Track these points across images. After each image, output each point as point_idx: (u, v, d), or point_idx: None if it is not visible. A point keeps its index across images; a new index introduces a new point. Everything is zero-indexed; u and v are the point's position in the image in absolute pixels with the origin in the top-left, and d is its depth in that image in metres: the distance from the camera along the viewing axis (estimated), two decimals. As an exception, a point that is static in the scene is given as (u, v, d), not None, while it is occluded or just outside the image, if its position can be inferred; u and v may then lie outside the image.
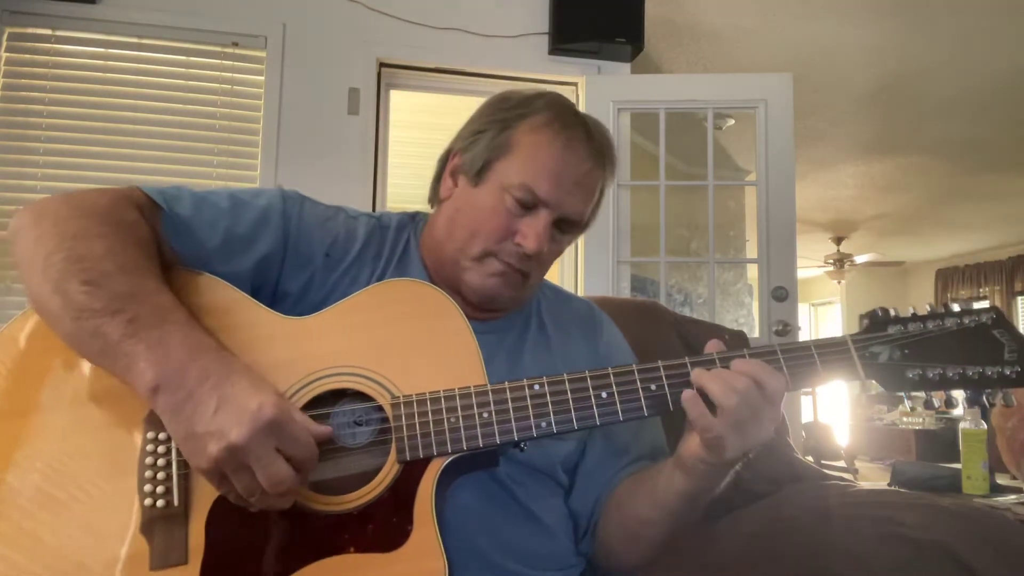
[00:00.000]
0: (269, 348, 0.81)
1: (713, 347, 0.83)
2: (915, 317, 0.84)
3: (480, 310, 0.97)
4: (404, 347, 0.83)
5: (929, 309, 0.85)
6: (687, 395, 0.79)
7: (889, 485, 2.18)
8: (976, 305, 0.86)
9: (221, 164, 2.90)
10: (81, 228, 0.77)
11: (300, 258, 0.92)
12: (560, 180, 0.91)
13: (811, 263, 8.80)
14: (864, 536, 0.94)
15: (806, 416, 6.21)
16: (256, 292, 0.87)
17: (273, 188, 0.96)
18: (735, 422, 0.77)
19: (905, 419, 6.72)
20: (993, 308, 0.84)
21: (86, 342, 0.75)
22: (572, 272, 3.19)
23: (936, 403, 0.83)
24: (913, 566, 0.86)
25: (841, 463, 5.82)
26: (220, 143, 2.90)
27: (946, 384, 0.82)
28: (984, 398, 0.82)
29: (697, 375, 0.80)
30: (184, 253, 0.86)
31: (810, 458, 4.03)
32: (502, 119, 0.94)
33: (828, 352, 0.83)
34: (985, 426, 1.92)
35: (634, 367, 0.83)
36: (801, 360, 0.82)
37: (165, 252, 0.85)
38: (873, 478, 5.78)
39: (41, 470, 0.77)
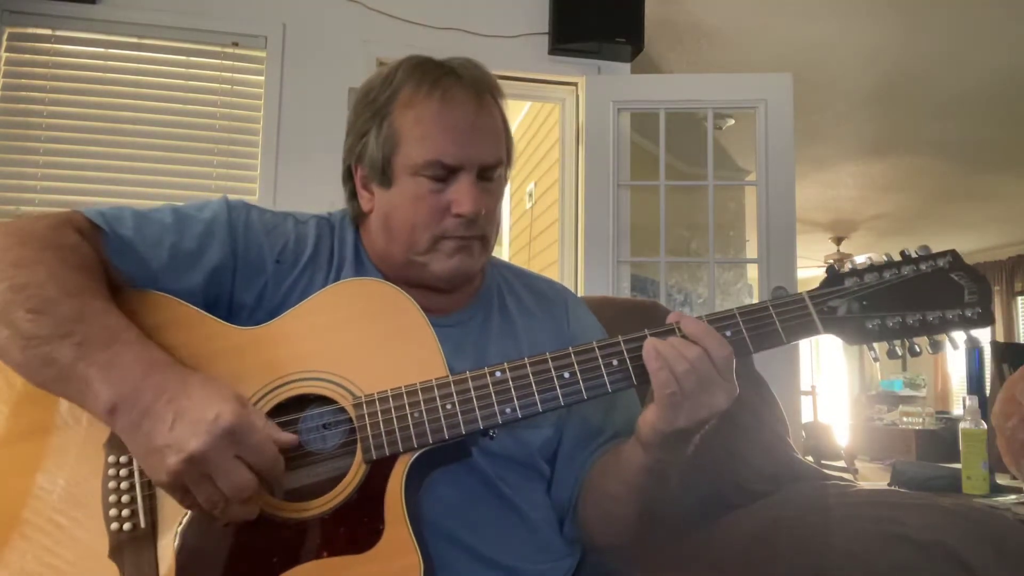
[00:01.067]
0: (227, 360, 0.80)
1: (674, 318, 0.84)
2: (871, 267, 0.83)
3: (451, 293, 0.96)
4: (363, 347, 0.82)
5: (887, 258, 0.84)
6: (647, 349, 0.80)
7: (889, 485, 2.18)
8: (929, 246, 0.84)
9: (221, 164, 2.90)
10: (21, 256, 0.76)
11: (251, 268, 0.90)
12: (457, 137, 0.88)
13: (811, 263, 8.79)
14: (864, 536, 0.94)
15: (806, 416, 6.21)
16: (211, 307, 0.86)
17: (218, 199, 0.94)
18: (687, 388, 0.78)
19: (905, 419, 6.72)
20: (950, 251, 0.83)
21: (38, 370, 0.74)
22: (572, 272, 3.19)
23: (899, 352, 0.82)
24: (913, 566, 0.86)
25: (841, 463, 5.82)
26: (220, 143, 2.90)
27: (907, 331, 0.81)
28: (949, 342, 0.82)
29: (650, 343, 0.80)
30: (131, 273, 0.84)
31: (810, 458, 4.03)
32: (375, 111, 0.92)
33: (786, 310, 0.83)
34: (985, 426, 1.92)
35: (595, 344, 0.83)
36: (760, 322, 0.83)
37: (112, 275, 0.83)
38: (873, 478, 5.78)
39: (4, 505, 0.76)
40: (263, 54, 2.94)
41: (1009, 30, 3.54)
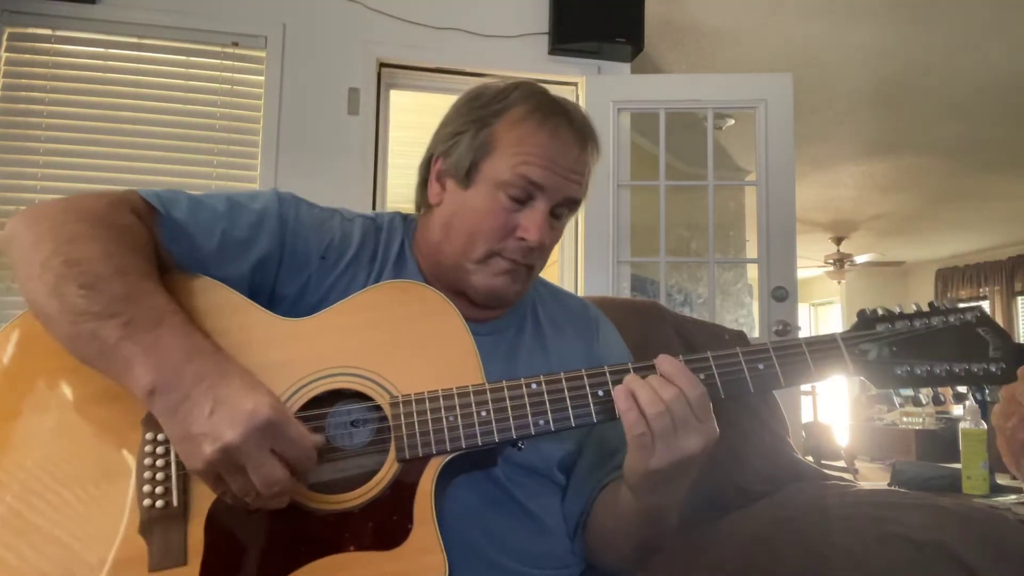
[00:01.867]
0: (267, 349, 0.81)
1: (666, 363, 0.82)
2: (902, 315, 0.86)
3: (484, 308, 0.97)
4: (402, 347, 0.83)
5: (916, 308, 0.87)
6: (617, 390, 0.79)
7: (889, 485, 2.18)
8: (967, 304, 0.88)
9: (221, 164, 2.90)
10: (77, 232, 0.77)
11: (296, 261, 0.92)
12: (553, 168, 0.91)
13: (811, 263, 8.80)
14: (864, 536, 0.94)
15: (806, 416, 6.22)
16: (253, 295, 0.87)
17: (269, 191, 0.96)
18: (660, 430, 0.77)
19: (905, 419, 6.72)
20: (977, 307, 0.86)
21: (83, 345, 0.75)
22: (572, 272, 3.19)
23: (924, 400, 0.84)
24: (913, 566, 0.86)
25: (841, 463, 5.82)
26: (220, 143, 2.90)
27: (933, 380, 0.84)
28: (972, 395, 0.85)
29: (629, 379, 0.80)
30: (181, 257, 0.86)
31: (810, 458, 4.03)
32: (479, 117, 0.93)
33: (819, 350, 0.84)
34: (985, 426, 1.92)
35: (630, 365, 0.83)
36: (793, 358, 0.83)
37: (162, 256, 0.85)
38: (873, 478, 5.78)
39: (38, 473, 0.77)
40: (263, 54, 2.94)
41: (1009, 30, 3.54)
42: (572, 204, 0.95)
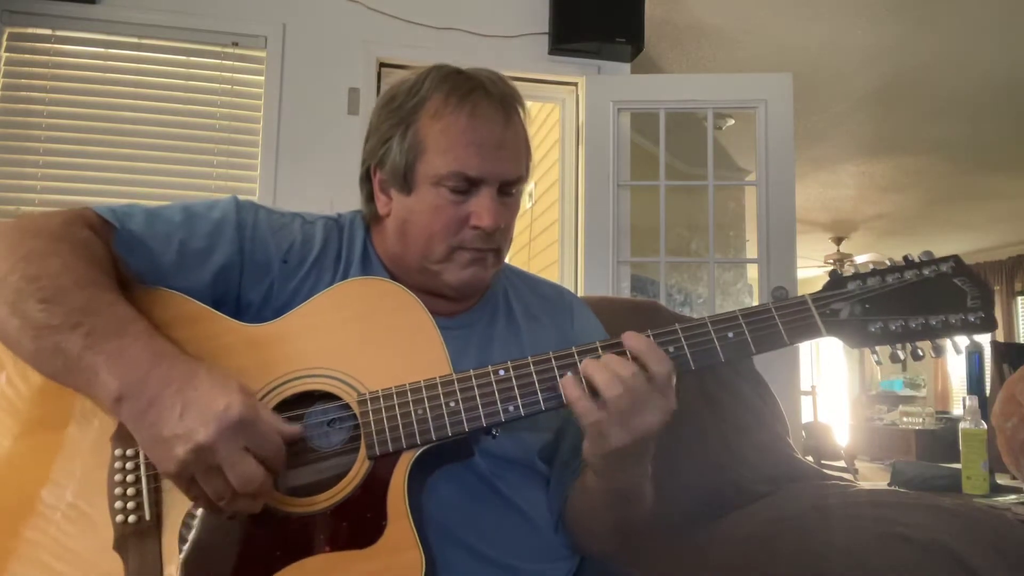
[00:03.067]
0: (234, 355, 0.81)
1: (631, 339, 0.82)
2: (874, 272, 0.83)
3: (458, 301, 0.97)
4: (368, 344, 0.83)
5: (889, 262, 0.84)
6: (566, 380, 0.79)
7: (889, 485, 2.18)
8: (933, 252, 0.85)
9: (221, 164, 2.90)
10: (34, 248, 0.77)
11: (258, 267, 0.91)
12: (483, 152, 0.89)
13: (811, 263, 8.79)
14: (864, 536, 0.94)
15: (806, 416, 6.21)
16: (218, 305, 0.86)
17: (228, 198, 0.95)
18: (618, 411, 0.76)
19: (905, 419, 6.72)
20: (953, 256, 0.83)
21: (48, 360, 0.74)
22: (572, 272, 3.19)
23: (901, 356, 0.82)
24: (913, 566, 0.86)
25: (841, 463, 5.82)
26: (220, 143, 2.90)
27: (909, 335, 0.81)
28: (952, 346, 0.82)
29: (585, 364, 0.79)
30: (140, 270, 0.85)
31: (810, 458, 4.03)
32: (400, 119, 0.92)
33: (789, 313, 0.83)
34: (985, 426, 1.92)
35: (598, 344, 0.82)
36: (764, 324, 0.82)
37: (121, 271, 0.84)
38: (873, 478, 5.78)
39: (15, 497, 0.76)
40: (263, 54, 2.94)
41: (1009, 30, 3.54)
42: (516, 179, 0.93)
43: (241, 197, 0.96)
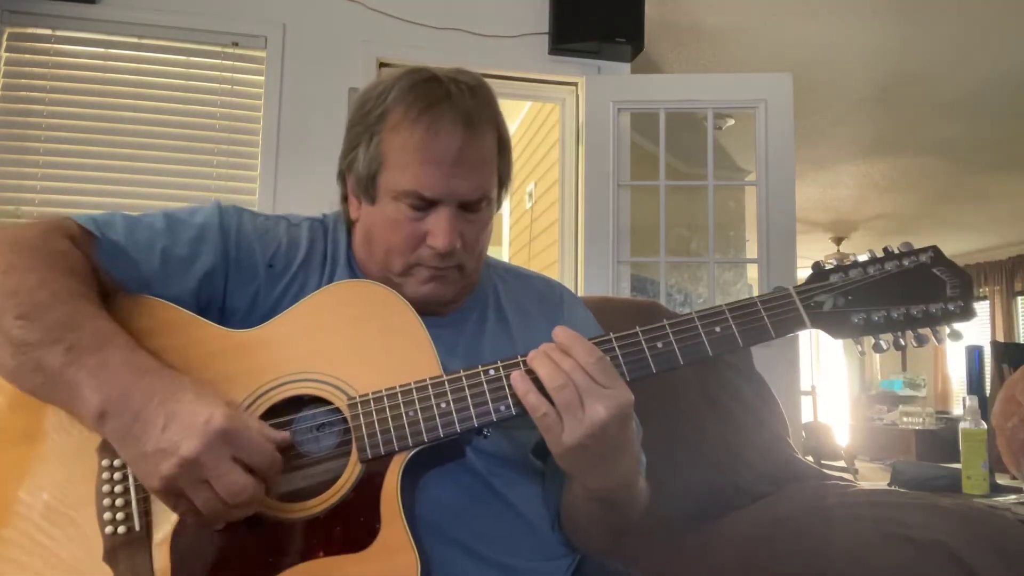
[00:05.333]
0: (220, 362, 0.80)
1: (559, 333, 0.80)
2: (855, 264, 0.85)
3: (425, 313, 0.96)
4: (357, 348, 0.82)
5: (870, 254, 0.86)
6: (515, 375, 0.78)
7: (889, 485, 2.18)
8: (912, 243, 0.86)
9: (221, 164, 2.90)
10: (10, 263, 0.75)
11: (243, 272, 0.90)
12: (438, 171, 0.85)
13: (811, 263, 8.78)
14: (864, 536, 0.94)
15: (806, 416, 6.21)
16: (203, 311, 0.86)
17: (211, 204, 0.94)
18: (564, 404, 0.74)
19: (905, 419, 6.72)
20: (931, 247, 0.85)
21: (28, 377, 0.73)
22: (572, 272, 3.19)
23: (885, 346, 0.83)
24: (913, 566, 0.86)
25: (841, 463, 5.82)
26: (220, 143, 2.90)
27: (891, 325, 0.83)
28: (933, 336, 0.83)
29: (531, 357, 0.78)
30: (123, 279, 0.84)
31: (810, 458, 4.03)
32: (366, 127, 0.90)
33: (774, 306, 0.83)
34: (985, 426, 1.92)
35: (588, 341, 0.81)
36: (749, 317, 0.83)
37: (104, 280, 0.83)
38: (873, 478, 5.78)
39: (6, 509, 0.76)
40: (263, 54, 2.94)
41: (1009, 31, 3.54)
42: (478, 198, 0.89)
43: (224, 202, 0.95)
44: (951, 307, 0.82)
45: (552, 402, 0.75)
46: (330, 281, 0.93)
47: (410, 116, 0.86)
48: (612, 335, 0.82)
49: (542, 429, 0.77)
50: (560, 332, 0.79)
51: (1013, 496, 1.85)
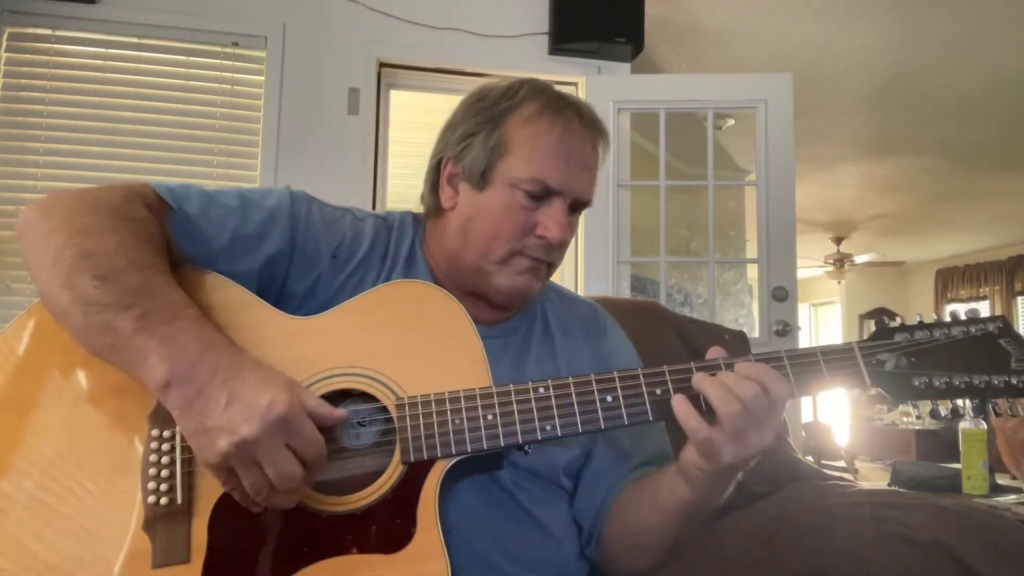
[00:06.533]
0: (275, 347, 0.81)
1: (716, 352, 0.83)
2: (921, 325, 0.83)
3: (500, 309, 0.97)
4: (409, 349, 0.82)
5: (935, 318, 0.84)
6: (677, 399, 0.78)
7: (889, 485, 2.18)
8: (980, 310, 0.86)
9: (221, 164, 2.90)
10: (91, 224, 0.77)
11: (307, 259, 0.91)
12: (568, 166, 0.91)
13: (811, 263, 8.79)
14: (864, 536, 0.94)
15: (806, 416, 6.22)
16: (262, 292, 0.87)
17: (282, 188, 0.95)
18: (734, 429, 0.76)
19: (905, 419, 6.72)
20: (1000, 317, 0.83)
21: (96, 337, 0.74)
22: (572, 272, 3.19)
23: (943, 412, 0.82)
24: (913, 566, 0.86)
25: (841, 463, 5.82)
26: (220, 143, 2.90)
27: (952, 392, 0.81)
28: (991, 407, 0.82)
29: (698, 380, 0.79)
30: (192, 252, 0.85)
31: (810, 458, 4.03)
32: (489, 117, 0.93)
33: (834, 359, 0.82)
34: (985, 426, 1.92)
35: (639, 371, 0.82)
36: (807, 367, 0.82)
37: (173, 251, 0.84)
38: (873, 478, 5.78)
39: (43, 467, 0.77)
40: (263, 54, 2.94)
41: (1009, 30, 3.54)
42: (586, 201, 0.95)
43: (295, 188, 0.97)
44: (1014, 380, 0.81)
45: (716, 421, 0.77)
46: (387, 279, 0.94)
47: (546, 114, 0.92)
48: (666, 367, 0.82)
49: (701, 451, 0.78)
50: (747, 364, 0.79)
51: (1013, 496, 1.85)
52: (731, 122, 4.32)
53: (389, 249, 0.98)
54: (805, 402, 6.24)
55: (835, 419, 7.45)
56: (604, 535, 0.95)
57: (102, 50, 2.87)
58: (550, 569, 0.91)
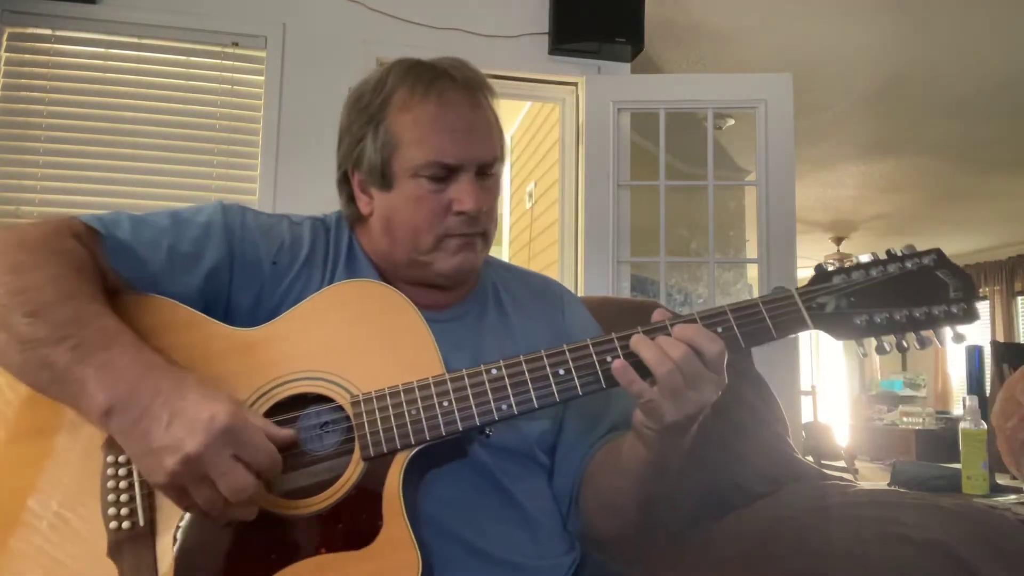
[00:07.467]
0: (224, 360, 0.81)
1: (660, 315, 0.84)
2: (858, 265, 0.85)
3: (449, 290, 0.98)
4: (360, 347, 0.83)
5: (872, 256, 0.86)
6: (616, 364, 0.80)
7: (889, 485, 2.18)
8: (915, 245, 0.86)
9: (221, 164, 2.90)
10: (19, 261, 0.77)
11: (247, 269, 0.91)
12: (455, 137, 0.90)
13: (811, 263, 8.77)
14: (864, 536, 0.94)
15: (806, 416, 6.22)
16: (208, 309, 0.87)
17: (213, 203, 0.95)
18: (671, 389, 0.78)
19: (905, 419, 6.72)
20: (935, 250, 0.85)
21: (35, 373, 0.74)
22: (572, 272, 3.19)
23: (888, 348, 0.84)
24: (913, 566, 0.86)
25: (841, 463, 5.82)
26: (220, 143, 2.90)
27: (894, 327, 0.83)
28: (935, 338, 0.83)
29: (635, 342, 0.80)
30: (129, 277, 0.85)
31: (810, 458, 4.03)
32: (369, 117, 0.94)
33: (776, 307, 0.84)
34: (985, 426, 1.92)
35: (589, 342, 0.83)
36: (750, 318, 0.83)
37: (110, 278, 0.84)
38: (873, 478, 5.78)
39: (6, 504, 0.76)
40: (263, 54, 2.94)
41: (1009, 30, 3.54)
42: (491, 161, 0.93)
43: (227, 200, 0.96)
44: (954, 309, 0.82)
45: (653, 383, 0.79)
46: (332, 279, 0.94)
47: (417, 93, 0.91)
48: (614, 335, 0.83)
49: (645, 412, 0.80)
50: (681, 326, 0.81)
51: (1013, 496, 1.85)
52: (731, 122, 4.32)
53: (330, 250, 0.98)
54: (805, 402, 6.24)
55: (835, 419, 7.46)
56: (580, 501, 0.97)
57: (102, 50, 2.87)
58: (533, 550, 0.92)
